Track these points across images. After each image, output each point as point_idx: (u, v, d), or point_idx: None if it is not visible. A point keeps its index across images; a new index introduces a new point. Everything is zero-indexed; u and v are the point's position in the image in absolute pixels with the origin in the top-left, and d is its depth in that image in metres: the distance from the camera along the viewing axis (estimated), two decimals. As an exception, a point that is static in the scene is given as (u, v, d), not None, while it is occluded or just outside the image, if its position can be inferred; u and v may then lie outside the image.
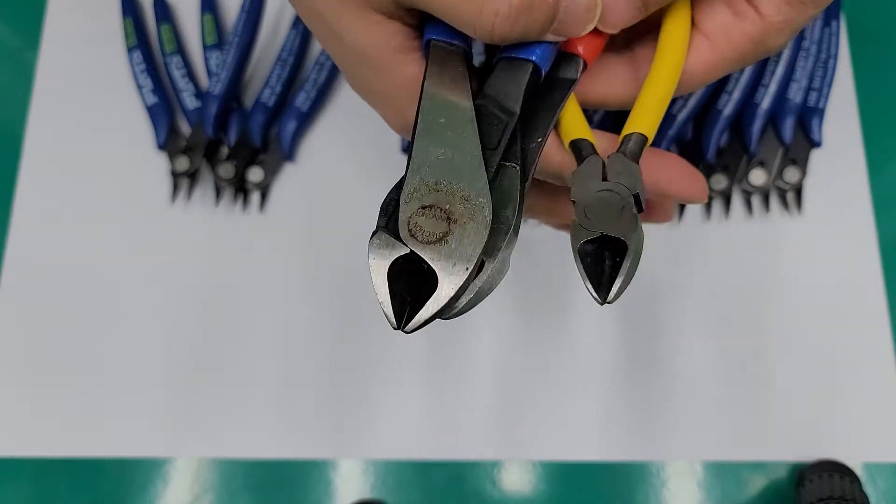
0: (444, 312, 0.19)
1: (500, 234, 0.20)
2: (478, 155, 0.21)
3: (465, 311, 0.20)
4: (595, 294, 0.21)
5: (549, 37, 0.22)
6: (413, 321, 0.19)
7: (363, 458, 0.39)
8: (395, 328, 0.19)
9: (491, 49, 0.24)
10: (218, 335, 0.41)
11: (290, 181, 0.44)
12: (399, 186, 0.21)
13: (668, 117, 0.40)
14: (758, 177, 0.41)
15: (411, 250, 0.19)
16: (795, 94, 0.41)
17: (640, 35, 0.26)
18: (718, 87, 0.41)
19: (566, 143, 0.24)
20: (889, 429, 0.38)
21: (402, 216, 0.20)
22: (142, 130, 0.45)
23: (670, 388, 0.39)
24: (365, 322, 0.41)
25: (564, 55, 0.24)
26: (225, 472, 0.39)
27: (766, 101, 0.40)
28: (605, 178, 0.22)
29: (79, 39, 0.47)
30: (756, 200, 0.41)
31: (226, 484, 0.39)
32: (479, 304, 0.20)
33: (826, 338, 0.39)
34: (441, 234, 0.19)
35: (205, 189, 0.43)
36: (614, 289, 0.21)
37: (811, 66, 0.41)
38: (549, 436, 0.39)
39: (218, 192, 0.43)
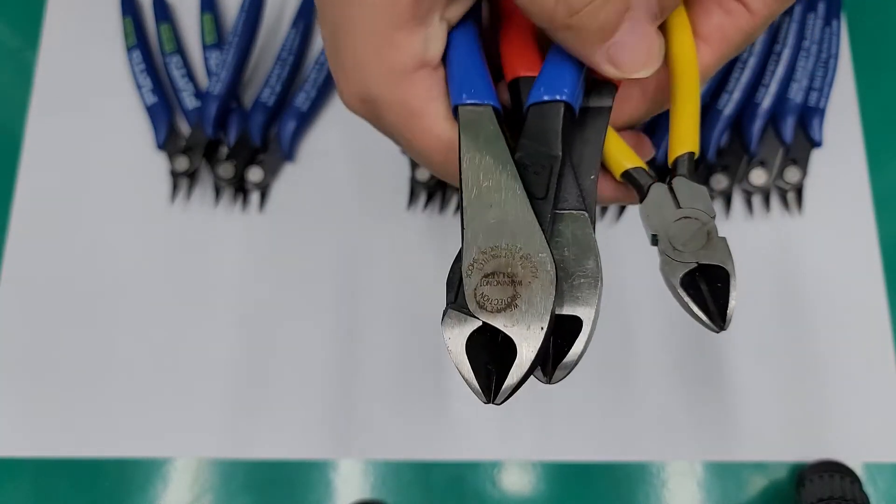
0: (528, 376, 0.19)
1: (589, 287, 0.20)
2: (529, 210, 0.20)
3: (576, 365, 0.20)
4: (711, 323, 0.21)
5: (602, 61, 0.22)
6: (502, 391, 0.19)
7: (363, 458, 0.39)
8: (485, 402, 0.19)
9: (516, 105, 0.24)
10: (218, 335, 0.41)
11: (290, 181, 0.44)
12: (456, 260, 0.21)
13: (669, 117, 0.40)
14: (758, 177, 0.41)
15: (483, 322, 0.19)
16: (796, 93, 0.41)
17: None
18: (718, 87, 0.41)
19: (617, 174, 0.24)
20: (889, 429, 0.38)
21: (468, 289, 0.20)
22: (141, 130, 0.45)
23: (670, 388, 0.39)
24: (365, 322, 0.41)
25: (595, 83, 0.23)
26: (225, 472, 0.39)
27: (766, 101, 0.40)
28: (678, 205, 0.22)
29: (79, 39, 0.47)
30: (756, 200, 0.41)
31: (226, 484, 0.39)
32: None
33: (826, 338, 0.39)
34: (509, 300, 0.19)
35: (204, 189, 0.43)
36: (728, 314, 0.21)
37: (812, 66, 0.41)
38: (549, 436, 0.39)
39: (218, 192, 0.43)
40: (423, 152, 0.23)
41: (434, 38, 0.22)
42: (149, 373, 0.41)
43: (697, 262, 0.21)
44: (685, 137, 0.23)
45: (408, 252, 0.42)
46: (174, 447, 0.40)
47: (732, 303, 0.21)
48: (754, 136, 0.40)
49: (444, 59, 0.23)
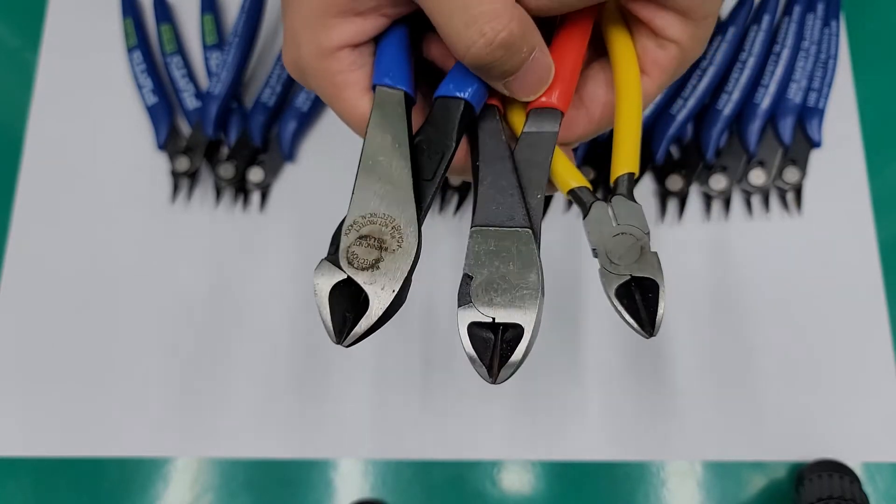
0: (378, 327, 0.22)
1: (531, 298, 0.22)
2: (410, 190, 0.23)
3: (519, 367, 0.22)
4: (641, 329, 0.23)
5: (499, 86, 0.24)
6: (350, 336, 0.22)
7: (363, 458, 0.39)
8: (335, 342, 0.22)
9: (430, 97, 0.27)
10: (218, 335, 0.41)
11: (290, 181, 0.44)
12: (343, 221, 0.24)
13: (668, 117, 0.41)
14: (757, 177, 0.41)
15: (348, 276, 0.22)
16: (795, 94, 0.41)
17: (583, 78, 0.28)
18: (718, 87, 0.41)
19: (564, 191, 0.26)
20: (889, 429, 0.38)
21: (343, 246, 0.23)
22: (142, 130, 0.45)
23: (670, 388, 0.39)
24: (365, 322, 0.41)
25: (541, 111, 0.26)
26: (225, 472, 0.39)
27: (765, 102, 0.40)
28: (616, 222, 0.25)
29: (79, 39, 0.47)
30: (756, 200, 0.42)
31: (226, 484, 0.39)
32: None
33: (826, 338, 0.39)
34: (373, 261, 0.22)
35: (205, 189, 0.43)
36: (657, 322, 0.23)
37: (811, 67, 0.41)
38: (548, 436, 0.39)
39: (218, 192, 0.43)
40: (344, 119, 0.27)
41: (367, 28, 0.25)
42: (149, 373, 0.41)
43: (631, 275, 0.23)
44: (626, 159, 0.26)
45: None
46: (174, 447, 0.40)
47: (660, 311, 0.23)
48: (753, 137, 0.41)
49: (378, 46, 0.26)
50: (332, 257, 0.23)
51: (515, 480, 0.39)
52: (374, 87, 0.26)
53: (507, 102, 0.27)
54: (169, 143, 0.44)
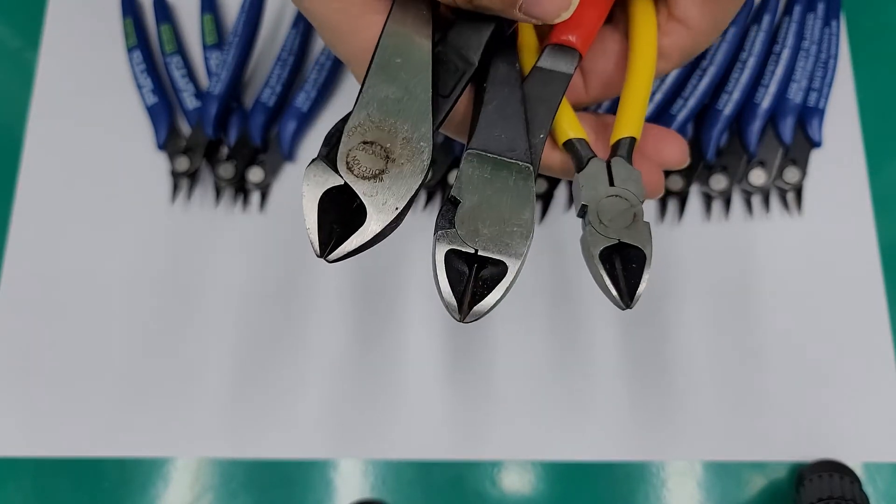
0: (367, 247, 0.19)
1: (521, 237, 0.20)
2: (427, 100, 0.21)
3: (492, 310, 0.20)
4: (618, 298, 0.21)
5: (518, 15, 0.22)
6: (336, 251, 0.19)
7: (363, 458, 0.39)
8: (317, 255, 0.19)
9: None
10: (219, 335, 0.41)
11: (290, 181, 0.44)
12: (343, 118, 0.21)
13: (668, 117, 0.40)
14: (758, 177, 0.41)
15: (345, 182, 0.19)
16: (795, 94, 0.41)
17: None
18: (719, 87, 0.41)
19: (560, 141, 0.25)
20: (889, 429, 0.38)
21: (342, 148, 0.20)
22: (142, 130, 0.45)
23: (670, 388, 0.39)
24: (365, 322, 0.41)
25: (559, 48, 0.24)
26: (225, 472, 0.39)
27: (766, 101, 0.40)
28: (611, 183, 0.23)
29: (79, 39, 0.47)
30: (756, 200, 0.42)
31: (226, 484, 0.39)
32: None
33: (826, 337, 0.39)
34: (377, 171, 0.19)
35: (205, 189, 0.43)
36: (638, 294, 0.21)
37: (811, 67, 0.41)
38: (549, 436, 0.39)
39: (218, 193, 0.43)
40: (345, 42, 0.23)
41: None
42: (149, 372, 0.41)
43: (619, 240, 0.22)
44: (630, 122, 0.24)
45: (407, 251, 0.42)
46: (174, 447, 0.40)
47: (643, 285, 0.21)
48: (754, 137, 0.41)
49: None
50: (327, 158, 0.20)
51: (515, 480, 0.39)
52: None
53: (521, 33, 0.25)
54: (169, 143, 0.44)
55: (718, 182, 0.41)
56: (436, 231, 0.20)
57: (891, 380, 0.39)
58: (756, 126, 0.40)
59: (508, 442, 0.39)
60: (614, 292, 0.21)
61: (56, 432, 0.40)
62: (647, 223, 0.22)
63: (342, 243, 0.19)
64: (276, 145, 0.43)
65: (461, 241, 0.20)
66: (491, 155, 0.22)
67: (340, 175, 0.19)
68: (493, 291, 0.20)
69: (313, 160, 0.20)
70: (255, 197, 0.43)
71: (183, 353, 0.41)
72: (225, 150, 0.43)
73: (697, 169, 0.41)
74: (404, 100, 0.20)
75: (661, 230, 0.41)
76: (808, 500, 0.35)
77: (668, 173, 0.41)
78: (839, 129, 0.42)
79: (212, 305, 0.42)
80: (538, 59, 0.24)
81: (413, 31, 0.22)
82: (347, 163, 0.20)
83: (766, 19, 0.42)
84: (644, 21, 0.25)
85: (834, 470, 0.36)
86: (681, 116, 0.40)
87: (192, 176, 0.43)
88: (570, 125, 0.25)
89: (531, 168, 0.22)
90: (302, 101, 0.43)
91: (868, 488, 0.37)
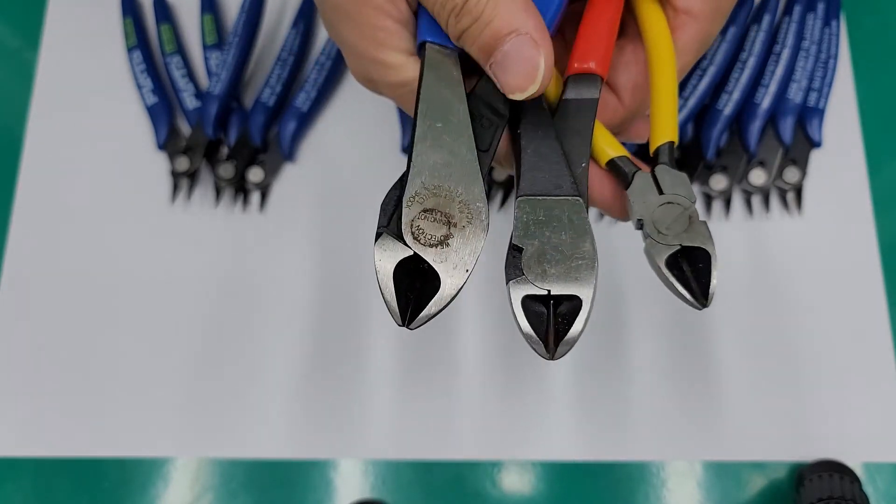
0: (443, 309, 0.21)
1: (587, 269, 0.21)
2: (474, 159, 0.22)
3: (577, 341, 0.21)
4: (694, 301, 0.22)
5: (489, 71, 0.22)
6: (418, 318, 0.20)
7: (363, 458, 0.39)
8: (400, 325, 0.20)
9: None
10: (218, 335, 0.41)
11: (290, 181, 0.44)
12: (398, 186, 0.22)
13: (668, 117, 0.40)
14: (758, 177, 0.41)
15: (415, 252, 0.20)
16: (795, 94, 0.41)
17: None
18: (719, 87, 0.41)
19: (603, 162, 0.25)
20: (889, 429, 0.38)
21: (406, 219, 0.21)
22: (142, 130, 0.45)
23: (670, 388, 0.39)
24: (365, 322, 0.41)
25: (580, 76, 0.25)
26: (225, 472, 0.39)
27: (766, 101, 0.40)
28: (660, 192, 0.24)
29: (79, 39, 0.47)
30: (756, 200, 0.42)
31: (226, 484, 0.39)
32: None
33: (826, 337, 0.39)
34: (442, 238, 0.21)
35: (205, 189, 0.43)
36: (710, 292, 0.22)
37: (811, 67, 0.41)
38: (548, 436, 0.39)
39: (218, 193, 0.43)
40: (381, 80, 0.24)
41: None
42: (149, 372, 0.41)
43: (681, 245, 0.22)
44: (665, 128, 0.25)
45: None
46: (174, 447, 0.40)
47: (714, 282, 0.22)
48: (754, 137, 0.41)
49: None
50: (391, 230, 0.21)
51: (515, 480, 0.39)
52: (421, 46, 0.24)
53: None
54: (169, 143, 0.44)
55: (718, 182, 0.41)
56: (507, 281, 0.21)
57: (891, 380, 0.39)
58: (756, 126, 0.40)
59: (508, 442, 0.39)
60: (688, 296, 0.22)
61: (56, 432, 0.40)
62: (705, 222, 0.23)
63: (420, 309, 0.20)
64: (276, 145, 0.43)
65: (533, 287, 0.21)
66: (540, 197, 0.23)
67: (408, 246, 0.20)
68: (575, 324, 0.21)
69: (379, 233, 0.21)
70: (254, 197, 0.43)
71: (183, 352, 0.41)
72: (225, 150, 0.43)
73: (697, 169, 0.41)
74: (454, 164, 0.21)
75: (661, 230, 0.41)
76: (808, 500, 0.35)
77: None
78: (839, 129, 0.42)
79: (212, 305, 0.42)
80: (563, 92, 0.25)
81: (447, 92, 0.22)
82: (413, 233, 0.21)
83: (766, 19, 0.42)
84: (654, 22, 0.26)
85: (834, 470, 0.36)
86: (681, 116, 0.40)
87: (192, 176, 0.43)
88: (608, 145, 0.25)
89: (580, 200, 0.23)
90: (302, 101, 0.43)
91: (868, 488, 0.37)
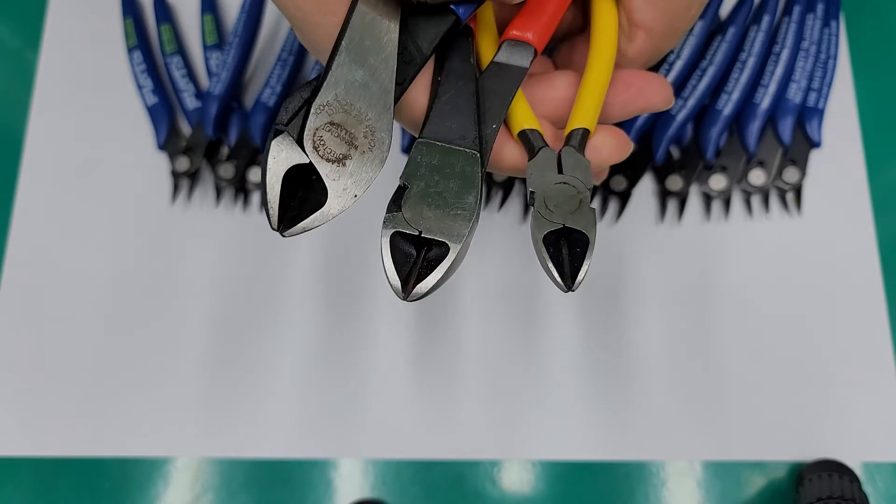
0: (322, 223, 0.20)
1: (463, 219, 0.21)
2: (391, 90, 0.21)
3: (433, 292, 0.21)
4: (560, 281, 0.22)
5: None
6: (295, 227, 0.20)
7: (363, 458, 0.39)
8: (274, 229, 0.20)
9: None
10: (218, 336, 0.41)
11: (291, 181, 0.44)
12: (306, 89, 0.21)
13: (668, 117, 0.41)
14: (757, 177, 0.41)
15: (311, 162, 0.20)
16: (795, 94, 0.41)
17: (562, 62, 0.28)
18: (718, 87, 0.41)
19: (514, 132, 0.25)
20: (889, 429, 0.38)
21: (311, 124, 0.20)
22: (142, 131, 0.45)
23: (670, 388, 0.39)
24: (366, 322, 0.41)
25: (516, 43, 0.25)
26: (225, 472, 0.39)
27: (765, 102, 0.40)
28: (560, 171, 0.24)
29: (79, 39, 0.47)
30: (756, 201, 0.42)
31: (226, 484, 0.39)
32: (444, 285, 0.21)
33: (826, 338, 0.39)
34: (341, 155, 0.20)
35: (205, 189, 0.44)
36: (579, 277, 0.22)
37: (811, 67, 0.41)
38: (549, 436, 0.39)
39: (218, 193, 0.43)
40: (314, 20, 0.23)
41: None
42: (149, 372, 0.41)
43: (563, 224, 0.22)
44: (584, 115, 0.25)
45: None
46: (174, 447, 0.40)
47: (585, 268, 0.22)
48: (753, 137, 0.41)
49: None
50: (291, 132, 0.20)
51: (515, 480, 0.39)
52: None
53: (480, 30, 0.26)
54: (169, 143, 0.44)
55: (718, 182, 0.41)
56: (386, 212, 0.21)
57: (891, 380, 0.39)
58: (755, 126, 0.41)
59: (508, 442, 0.39)
60: (556, 275, 0.22)
61: (56, 432, 0.40)
62: (594, 209, 0.23)
63: (300, 220, 0.20)
64: (277, 145, 0.43)
65: (406, 224, 0.21)
66: (440, 143, 0.22)
67: (306, 153, 0.20)
68: (434, 272, 0.21)
69: (278, 132, 0.20)
70: (255, 197, 0.43)
71: (183, 352, 0.41)
72: (225, 151, 0.44)
73: (697, 169, 0.41)
74: (371, 85, 0.21)
75: (661, 230, 0.41)
76: (808, 500, 0.35)
77: (667, 173, 0.41)
78: (839, 129, 0.42)
79: (212, 305, 0.42)
80: (495, 55, 0.25)
81: (383, 14, 0.22)
82: (314, 142, 0.20)
83: (766, 19, 0.42)
84: (604, 21, 0.26)
85: (834, 470, 0.36)
86: (680, 117, 0.40)
87: (193, 176, 0.43)
88: (524, 117, 0.25)
89: (478, 155, 0.22)
90: (302, 101, 0.43)
91: (868, 488, 0.37)
